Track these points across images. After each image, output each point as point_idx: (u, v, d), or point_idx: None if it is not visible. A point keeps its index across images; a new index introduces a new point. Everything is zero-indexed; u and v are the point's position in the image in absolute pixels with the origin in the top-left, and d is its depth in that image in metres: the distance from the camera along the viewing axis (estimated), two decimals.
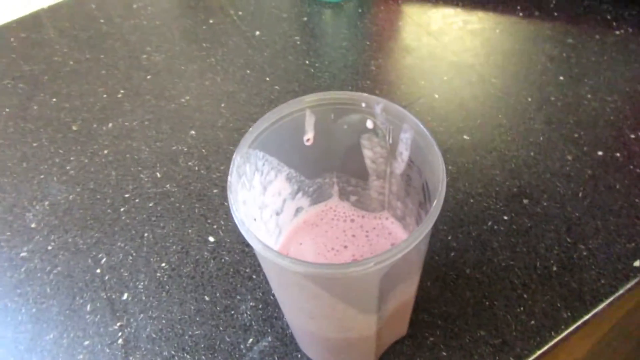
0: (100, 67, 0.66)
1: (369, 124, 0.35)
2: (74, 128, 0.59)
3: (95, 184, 0.54)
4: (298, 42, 0.66)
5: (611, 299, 0.42)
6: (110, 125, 0.59)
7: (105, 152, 0.56)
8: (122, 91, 0.63)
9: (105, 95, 0.62)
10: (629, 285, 0.42)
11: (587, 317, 0.41)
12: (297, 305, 0.35)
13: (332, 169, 0.39)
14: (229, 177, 0.31)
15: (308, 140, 0.36)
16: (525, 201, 0.48)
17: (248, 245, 0.48)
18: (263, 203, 0.36)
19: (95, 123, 0.59)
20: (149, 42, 0.69)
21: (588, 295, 0.42)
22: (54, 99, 0.62)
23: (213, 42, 0.68)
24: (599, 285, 0.42)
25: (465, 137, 0.53)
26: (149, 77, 0.64)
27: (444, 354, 0.40)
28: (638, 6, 0.65)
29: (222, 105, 0.60)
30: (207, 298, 0.45)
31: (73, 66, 0.66)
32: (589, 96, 0.56)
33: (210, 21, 0.71)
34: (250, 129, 0.33)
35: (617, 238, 0.45)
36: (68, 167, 0.56)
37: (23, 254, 0.50)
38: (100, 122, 0.59)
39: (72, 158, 0.56)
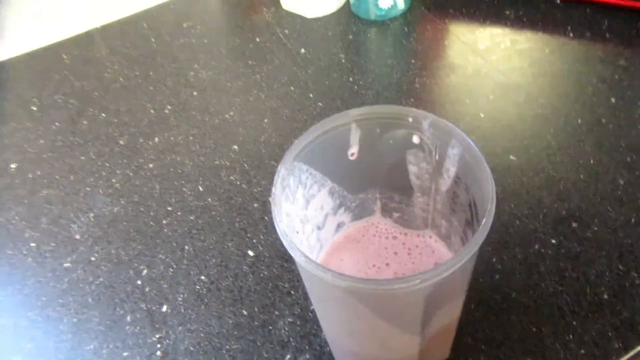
0: (149, 84, 0.67)
1: (416, 139, 0.34)
2: (121, 142, 0.60)
3: (139, 197, 0.54)
4: (343, 60, 0.66)
5: None
6: (156, 139, 0.60)
7: (151, 165, 0.57)
8: (169, 107, 0.63)
9: (152, 111, 0.63)
10: None
11: (639, 348, 0.39)
12: (337, 322, 0.34)
13: (375, 184, 0.38)
14: (273, 189, 0.30)
15: (352, 154, 0.35)
16: (575, 225, 0.46)
17: (287, 260, 0.47)
18: (305, 217, 0.36)
19: (142, 138, 0.60)
20: (197, 59, 0.69)
21: None
22: (103, 114, 0.63)
23: (259, 60, 0.68)
24: None
25: (511, 157, 0.52)
26: (195, 93, 0.65)
27: None
28: None
29: (266, 120, 0.60)
30: (245, 312, 0.44)
31: (123, 83, 0.67)
32: None
33: (257, 39, 0.71)
34: (296, 141, 0.32)
35: None
36: (114, 180, 0.56)
37: (67, 265, 0.50)
38: (146, 136, 0.60)
39: (118, 171, 0.57)
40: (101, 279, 0.49)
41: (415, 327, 0.31)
